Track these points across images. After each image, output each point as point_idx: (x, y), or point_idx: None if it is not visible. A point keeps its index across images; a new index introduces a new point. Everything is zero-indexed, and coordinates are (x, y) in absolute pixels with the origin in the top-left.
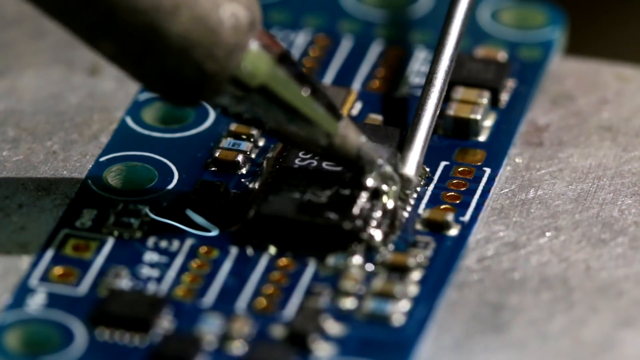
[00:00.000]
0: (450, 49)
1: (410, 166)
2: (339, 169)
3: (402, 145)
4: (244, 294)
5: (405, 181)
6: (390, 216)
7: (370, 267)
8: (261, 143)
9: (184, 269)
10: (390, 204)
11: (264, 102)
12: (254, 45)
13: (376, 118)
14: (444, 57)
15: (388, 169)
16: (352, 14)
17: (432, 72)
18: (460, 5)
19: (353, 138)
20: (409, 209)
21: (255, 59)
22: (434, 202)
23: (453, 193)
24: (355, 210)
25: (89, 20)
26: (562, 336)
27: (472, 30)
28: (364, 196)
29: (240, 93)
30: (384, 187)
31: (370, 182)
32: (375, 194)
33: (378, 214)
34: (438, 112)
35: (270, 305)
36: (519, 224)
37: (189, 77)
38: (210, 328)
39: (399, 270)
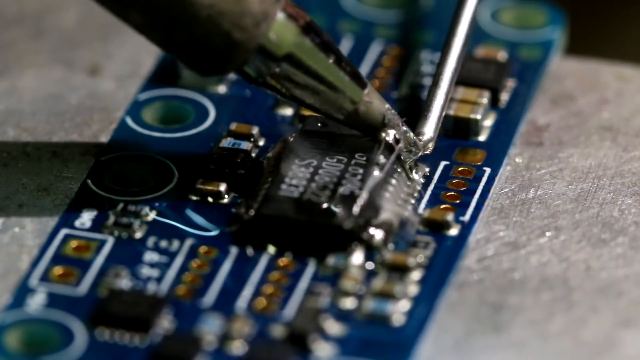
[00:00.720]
0: (457, 49)
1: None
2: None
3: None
4: (244, 294)
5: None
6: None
7: (370, 267)
8: (261, 143)
9: (184, 269)
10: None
11: (290, 70)
12: (280, 15)
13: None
14: (450, 57)
15: (411, 135)
16: (352, 14)
17: (438, 73)
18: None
19: (377, 105)
20: (409, 208)
21: (281, 28)
22: (434, 202)
23: (453, 193)
24: (356, 210)
25: None
26: (562, 336)
27: (472, 30)
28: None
29: (267, 62)
30: (404, 149)
31: (391, 136)
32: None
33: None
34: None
35: (270, 305)
36: (519, 224)
37: (217, 47)
38: (210, 328)
39: (399, 270)
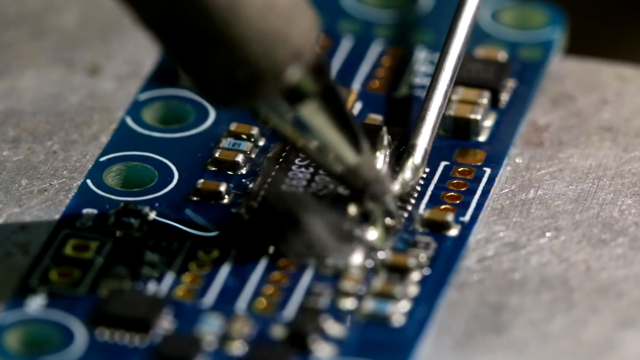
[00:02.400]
0: (457, 48)
1: (417, 157)
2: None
3: (403, 144)
4: (244, 294)
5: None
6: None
7: (370, 267)
8: (261, 143)
9: (184, 269)
10: (372, 234)
11: (296, 122)
12: (308, 67)
13: (376, 118)
14: (450, 55)
15: (393, 207)
16: (352, 14)
17: (437, 70)
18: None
19: (365, 175)
20: (409, 208)
21: (306, 79)
22: (434, 202)
23: (453, 193)
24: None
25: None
26: (562, 337)
27: (473, 31)
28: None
29: (279, 105)
30: (375, 215)
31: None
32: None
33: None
34: (443, 111)
35: (270, 306)
36: (519, 224)
37: (247, 73)
38: (210, 328)
39: (399, 271)
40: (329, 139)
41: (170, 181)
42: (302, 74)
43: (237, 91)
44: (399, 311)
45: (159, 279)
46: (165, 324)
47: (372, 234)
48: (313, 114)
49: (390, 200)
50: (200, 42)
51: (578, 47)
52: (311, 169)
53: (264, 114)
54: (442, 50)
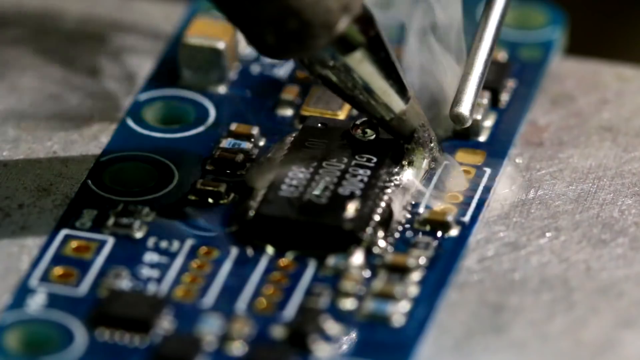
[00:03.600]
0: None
1: (465, 106)
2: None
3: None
4: (244, 294)
5: (459, 119)
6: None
7: (370, 267)
8: (261, 143)
9: (184, 269)
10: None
11: (345, 71)
12: (356, 18)
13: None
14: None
15: (437, 153)
16: None
17: (484, 18)
18: None
19: (411, 122)
20: (409, 208)
21: (354, 30)
22: (434, 202)
23: (453, 193)
24: (356, 210)
25: None
26: (563, 337)
27: (473, 31)
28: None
29: (330, 54)
30: (423, 165)
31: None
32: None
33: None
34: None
35: (270, 306)
36: (519, 225)
37: (299, 22)
38: (210, 328)
39: (399, 271)
40: (378, 87)
41: (171, 181)
42: (351, 24)
43: (288, 41)
44: (399, 311)
45: (159, 279)
46: (165, 324)
47: (412, 174)
48: (362, 62)
49: (435, 145)
50: None
51: (578, 47)
52: (311, 169)
53: (314, 65)
54: (480, 23)
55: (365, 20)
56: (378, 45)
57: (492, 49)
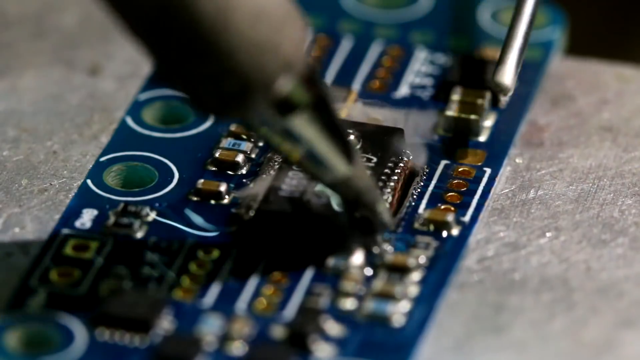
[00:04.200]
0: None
1: (508, 75)
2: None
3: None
4: (244, 294)
5: (502, 89)
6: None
7: (370, 267)
8: (261, 143)
9: (184, 269)
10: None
11: (286, 133)
12: (299, 77)
13: (376, 118)
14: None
15: (385, 215)
16: (352, 14)
17: (514, 20)
18: None
19: (357, 186)
20: (408, 207)
21: (297, 90)
22: (434, 202)
23: (453, 193)
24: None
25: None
26: (563, 337)
27: (472, 31)
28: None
29: (270, 116)
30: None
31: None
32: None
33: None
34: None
35: (270, 306)
36: (519, 225)
37: (234, 86)
38: (210, 328)
39: (399, 271)
40: (320, 150)
41: (170, 181)
42: (293, 84)
43: (227, 102)
44: (399, 311)
45: (159, 279)
46: (165, 324)
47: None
48: (304, 125)
49: (384, 208)
50: (189, 52)
51: (578, 47)
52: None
53: (254, 125)
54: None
55: (309, 80)
56: (322, 106)
57: (531, 22)
